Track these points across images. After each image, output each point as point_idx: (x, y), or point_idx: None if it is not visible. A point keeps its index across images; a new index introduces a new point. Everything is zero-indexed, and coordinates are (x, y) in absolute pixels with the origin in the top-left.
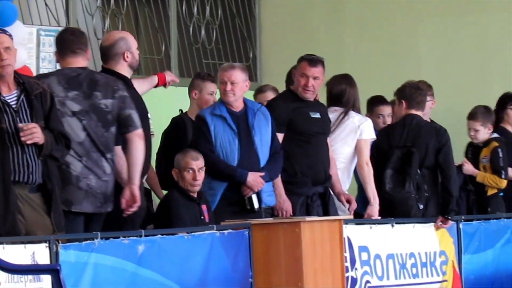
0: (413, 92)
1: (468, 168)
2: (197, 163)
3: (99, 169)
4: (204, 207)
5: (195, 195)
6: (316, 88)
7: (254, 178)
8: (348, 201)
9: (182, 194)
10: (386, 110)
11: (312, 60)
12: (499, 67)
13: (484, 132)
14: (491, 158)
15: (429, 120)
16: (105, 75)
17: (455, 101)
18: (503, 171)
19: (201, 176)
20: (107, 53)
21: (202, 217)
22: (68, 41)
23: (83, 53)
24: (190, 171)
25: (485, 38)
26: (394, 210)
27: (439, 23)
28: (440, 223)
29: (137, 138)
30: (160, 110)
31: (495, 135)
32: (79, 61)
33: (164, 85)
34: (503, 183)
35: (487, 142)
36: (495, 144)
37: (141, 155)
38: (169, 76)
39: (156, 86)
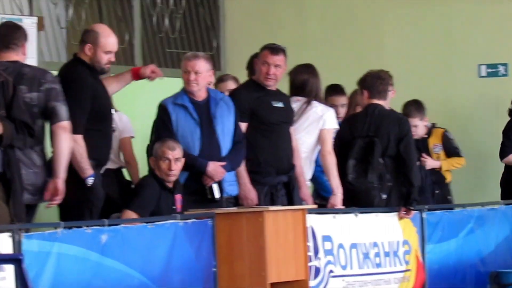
0: (375, 82)
1: (430, 163)
2: (174, 153)
3: (28, 161)
4: (178, 196)
5: (171, 185)
6: (278, 76)
7: (214, 168)
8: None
9: (157, 182)
10: (340, 100)
11: (274, 49)
12: (464, 57)
13: (422, 126)
14: (444, 143)
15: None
16: (34, 68)
17: (419, 90)
18: (458, 150)
19: (177, 166)
20: (81, 38)
21: (174, 207)
22: (2, 36)
23: (17, 48)
24: (166, 161)
25: (449, 27)
26: (357, 200)
27: (403, 12)
28: (404, 213)
29: (60, 131)
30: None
31: (429, 124)
32: (11, 56)
33: (148, 78)
34: (464, 161)
35: (429, 132)
36: (442, 130)
37: (65, 148)
38: (144, 70)
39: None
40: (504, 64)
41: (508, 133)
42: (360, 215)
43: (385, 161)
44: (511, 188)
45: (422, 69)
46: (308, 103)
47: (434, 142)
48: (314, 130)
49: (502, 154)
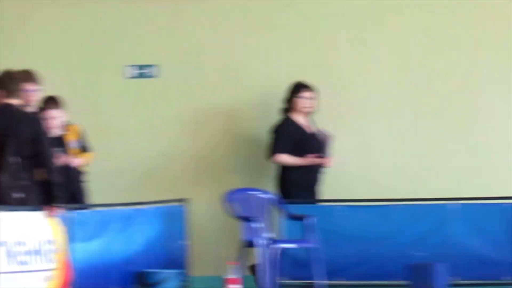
0: (8, 81)
1: (75, 161)
2: None
3: None
4: None
5: None
6: None
7: None
8: None
9: None
10: None
11: None
12: (109, 57)
13: (60, 120)
14: (79, 140)
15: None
16: None
17: (65, 90)
18: (89, 146)
19: None
20: None
21: None
22: None
23: None
24: None
25: (96, 28)
26: None
27: (51, 12)
28: (48, 211)
29: None
30: None
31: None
32: None
33: None
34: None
35: (66, 128)
36: (77, 126)
37: None
38: None
39: None
40: (151, 66)
41: (278, 132)
42: (5, 213)
43: (21, 160)
44: (290, 188)
45: (69, 68)
46: None
47: (72, 138)
48: None
49: (273, 154)
